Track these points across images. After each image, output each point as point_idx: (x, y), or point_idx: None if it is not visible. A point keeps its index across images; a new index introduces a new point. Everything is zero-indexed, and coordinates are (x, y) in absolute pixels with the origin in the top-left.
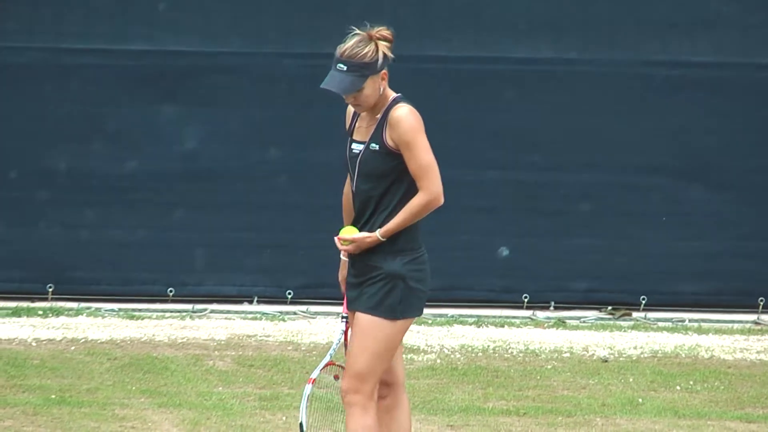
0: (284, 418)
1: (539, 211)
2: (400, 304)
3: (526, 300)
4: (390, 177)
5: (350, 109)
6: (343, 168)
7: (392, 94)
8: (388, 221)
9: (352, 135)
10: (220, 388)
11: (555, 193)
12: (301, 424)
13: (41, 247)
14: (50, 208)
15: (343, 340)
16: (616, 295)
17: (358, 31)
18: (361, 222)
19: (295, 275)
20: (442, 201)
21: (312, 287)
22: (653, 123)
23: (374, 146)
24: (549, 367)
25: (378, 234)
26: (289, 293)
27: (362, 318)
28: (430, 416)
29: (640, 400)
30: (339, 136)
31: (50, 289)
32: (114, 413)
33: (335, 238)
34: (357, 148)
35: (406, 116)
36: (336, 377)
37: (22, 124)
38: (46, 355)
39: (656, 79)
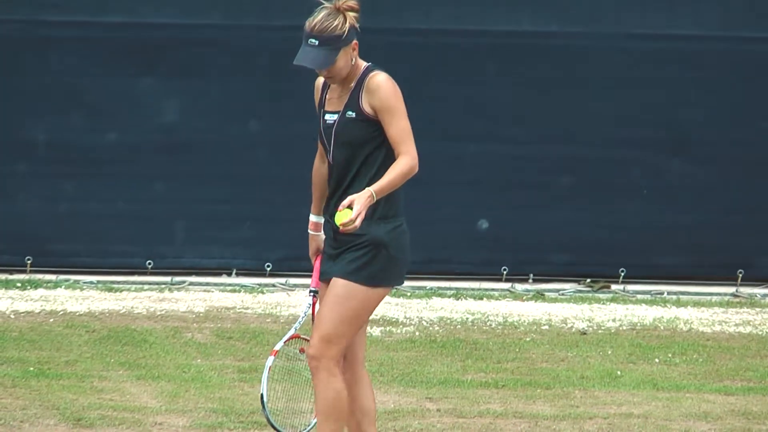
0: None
1: (519, 184)
2: (381, 272)
3: (505, 272)
4: (369, 145)
5: (319, 82)
6: (317, 143)
7: (363, 63)
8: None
9: (324, 107)
10: (199, 361)
11: (535, 166)
12: (261, 396)
13: (20, 219)
14: (29, 181)
15: (310, 313)
16: (595, 267)
17: (325, 4)
18: (339, 192)
19: (274, 247)
20: (417, 169)
21: (291, 259)
22: (634, 96)
23: (350, 114)
24: (528, 339)
25: (371, 190)
26: (268, 266)
27: (338, 282)
28: (408, 388)
29: (619, 372)
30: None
31: (29, 262)
32: (92, 385)
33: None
34: (331, 118)
35: (385, 82)
36: (302, 350)
37: (1, 97)
38: (24, 328)
39: (637, 52)
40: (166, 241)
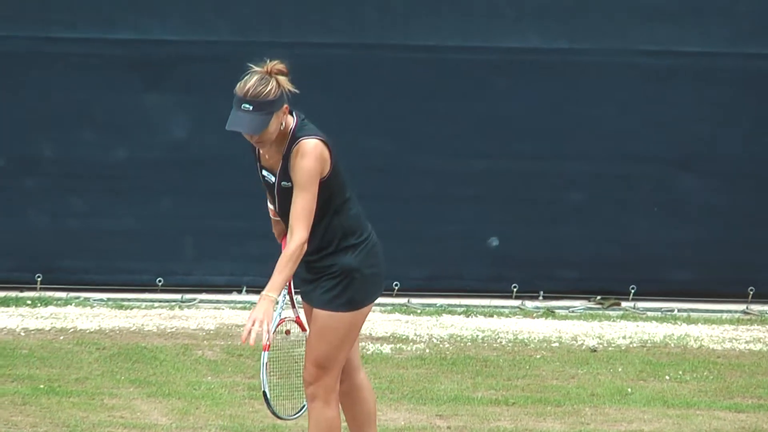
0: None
1: (528, 201)
2: (359, 294)
3: (515, 289)
4: (317, 202)
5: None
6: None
7: (292, 122)
8: (324, 239)
9: (260, 161)
10: (209, 378)
11: (544, 183)
12: (264, 393)
13: (30, 236)
14: (38, 197)
15: (287, 294)
16: (606, 284)
17: (255, 69)
18: None
19: None
20: (305, 249)
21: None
22: (643, 112)
23: (286, 183)
24: (538, 356)
25: (267, 294)
26: None
27: (320, 314)
28: (419, 406)
29: (629, 389)
30: (325, 124)
31: (39, 279)
32: (103, 403)
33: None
34: (270, 177)
35: (304, 156)
36: (288, 332)
37: (9, 113)
38: (34, 345)
39: (646, 69)
40: (176, 257)
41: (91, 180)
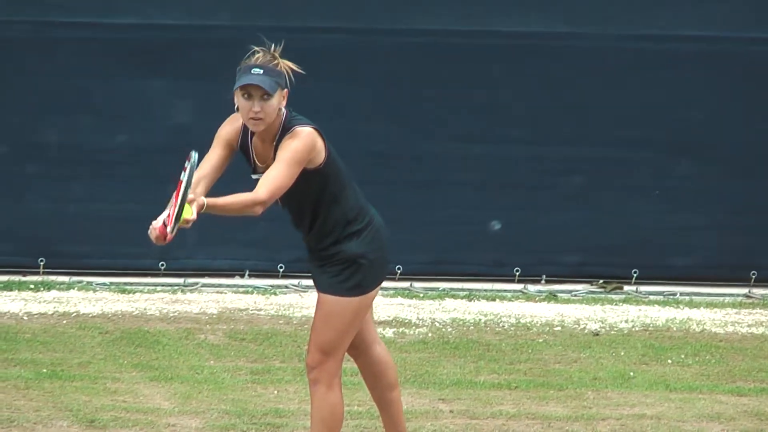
0: (276, 391)
1: (529, 185)
2: (366, 279)
3: (517, 273)
4: (314, 191)
5: (230, 128)
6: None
7: (284, 115)
8: (325, 227)
9: (248, 152)
10: (212, 362)
11: (545, 167)
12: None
13: (33, 221)
14: (40, 182)
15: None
16: (608, 268)
17: (261, 48)
18: (309, 236)
19: (287, 249)
20: (259, 213)
21: (303, 261)
22: (643, 97)
23: None
24: (540, 340)
25: (206, 201)
26: (281, 267)
27: (327, 298)
28: (421, 390)
29: (632, 373)
30: (329, 108)
31: (42, 263)
32: (105, 387)
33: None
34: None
35: (298, 134)
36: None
37: (10, 98)
38: (37, 329)
39: (646, 53)
40: (179, 242)
41: (93, 165)
